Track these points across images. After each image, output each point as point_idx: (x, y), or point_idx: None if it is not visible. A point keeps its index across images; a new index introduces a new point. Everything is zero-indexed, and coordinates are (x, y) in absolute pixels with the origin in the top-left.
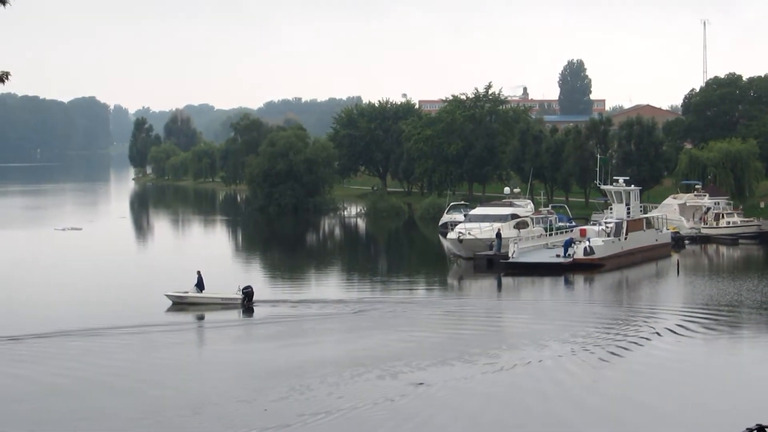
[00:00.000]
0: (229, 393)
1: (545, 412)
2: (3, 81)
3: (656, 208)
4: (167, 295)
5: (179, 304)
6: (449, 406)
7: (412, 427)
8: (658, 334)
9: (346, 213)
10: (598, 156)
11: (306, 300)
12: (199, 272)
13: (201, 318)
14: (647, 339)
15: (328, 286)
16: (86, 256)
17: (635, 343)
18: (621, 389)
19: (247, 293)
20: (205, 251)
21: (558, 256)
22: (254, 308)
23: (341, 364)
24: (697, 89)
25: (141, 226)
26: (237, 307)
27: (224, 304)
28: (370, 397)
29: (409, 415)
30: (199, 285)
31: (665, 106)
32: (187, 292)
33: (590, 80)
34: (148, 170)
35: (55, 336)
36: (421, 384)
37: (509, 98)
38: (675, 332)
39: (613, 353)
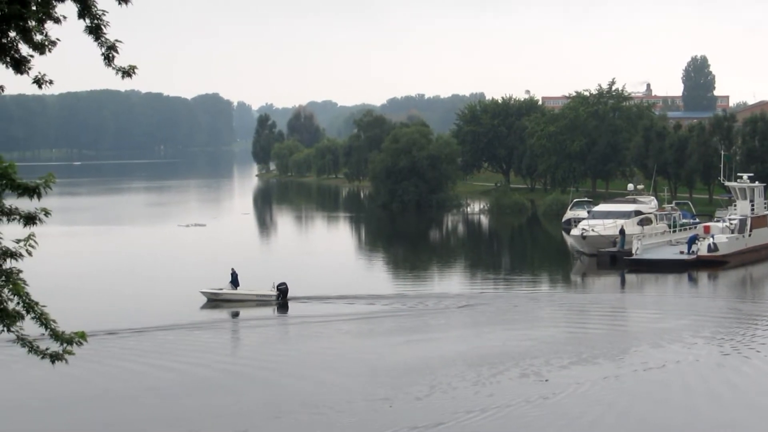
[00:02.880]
0: (366, 391)
1: (711, 411)
2: (130, 75)
3: None
4: (202, 292)
5: (214, 301)
6: (602, 403)
7: (565, 423)
8: None
9: (469, 209)
10: (722, 152)
11: (426, 295)
12: (233, 269)
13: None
14: None
15: (449, 282)
16: (207, 252)
17: (764, 343)
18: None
19: (282, 290)
20: (328, 248)
21: (682, 252)
22: (289, 305)
23: (471, 361)
24: None
25: (264, 223)
26: (271, 304)
27: (259, 301)
28: (522, 395)
29: (564, 413)
30: (234, 282)
31: None
32: (221, 289)
33: (714, 76)
34: (272, 167)
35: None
36: (546, 380)
37: (632, 94)
38: None
39: (745, 351)
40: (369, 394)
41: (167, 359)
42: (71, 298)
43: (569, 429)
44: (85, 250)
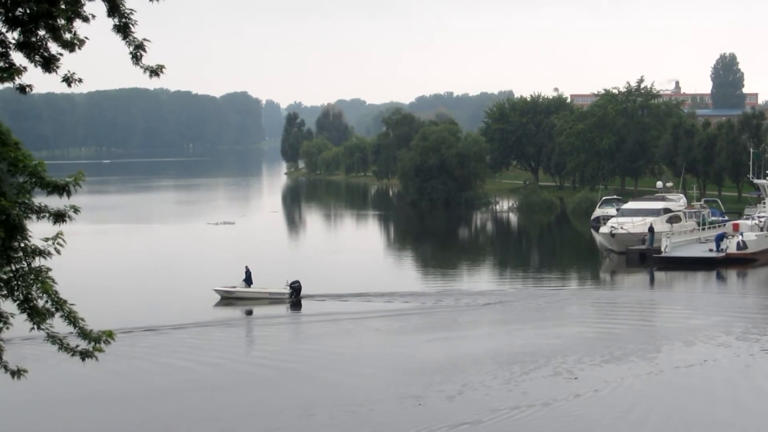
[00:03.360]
0: (398, 389)
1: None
2: (158, 74)
3: None
4: (215, 290)
5: (227, 298)
6: (640, 400)
7: (603, 421)
8: None
9: (497, 207)
10: (751, 150)
11: (454, 293)
12: (247, 267)
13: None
14: None
15: (478, 280)
16: (236, 250)
17: None
18: None
19: (295, 288)
20: (356, 246)
21: (711, 250)
22: (302, 303)
23: (501, 359)
24: None
25: (293, 221)
26: (284, 302)
27: (272, 299)
28: (557, 393)
29: (600, 411)
30: (248, 280)
31: None
32: (235, 287)
33: (742, 74)
34: (300, 165)
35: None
36: (576, 378)
37: (661, 92)
38: None
39: None
40: (401, 392)
41: (193, 357)
42: (98, 295)
43: (608, 426)
44: (115, 248)
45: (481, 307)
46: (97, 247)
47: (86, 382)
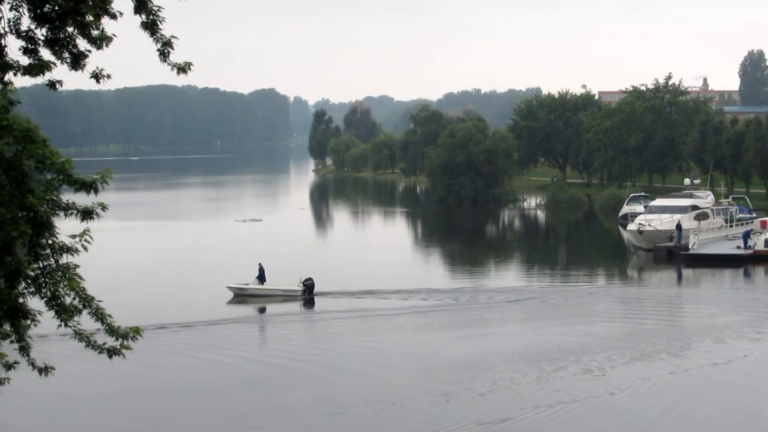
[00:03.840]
0: (427, 386)
1: None
2: (185, 71)
3: None
4: (228, 287)
5: (240, 296)
6: (674, 398)
7: (636, 419)
8: None
9: (525, 204)
10: None
11: (481, 289)
12: (260, 264)
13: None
14: None
15: (505, 277)
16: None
17: None
18: None
19: (308, 285)
20: (384, 243)
21: (738, 247)
22: (315, 300)
23: (530, 356)
24: None
25: (320, 218)
26: (297, 300)
27: (285, 296)
28: (589, 391)
29: (632, 409)
30: (261, 277)
31: None
32: (248, 284)
33: None
34: (328, 162)
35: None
36: (603, 375)
37: (689, 89)
38: None
39: None
40: (430, 389)
41: (216, 354)
42: (124, 292)
43: (642, 424)
44: (142, 245)
45: (508, 303)
46: (125, 244)
47: (114, 377)
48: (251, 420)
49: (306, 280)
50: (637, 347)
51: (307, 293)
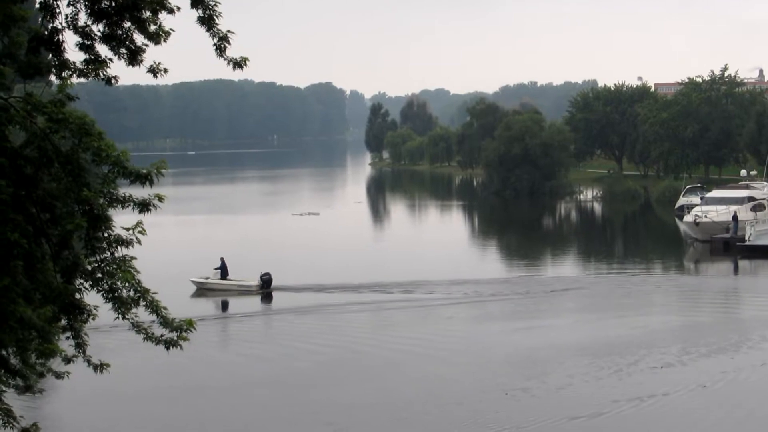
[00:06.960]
0: (499, 381)
1: None
2: (241, 66)
3: None
4: (192, 281)
5: (201, 289)
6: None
7: (731, 410)
8: None
9: (581, 197)
10: None
11: (539, 281)
12: (222, 259)
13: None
14: None
15: (561, 268)
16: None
17: None
18: None
19: (266, 280)
20: (440, 236)
21: None
22: (272, 295)
23: (598, 349)
24: None
25: (377, 211)
26: (253, 294)
27: (240, 291)
28: (677, 383)
29: (725, 400)
30: (223, 271)
31: None
32: (208, 278)
33: None
34: (385, 155)
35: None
36: (662, 368)
37: (745, 80)
38: None
39: None
40: (503, 384)
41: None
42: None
43: (737, 415)
44: (199, 239)
45: (564, 294)
46: (181, 237)
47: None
48: (321, 415)
49: (263, 275)
50: (702, 340)
51: (264, 287)
